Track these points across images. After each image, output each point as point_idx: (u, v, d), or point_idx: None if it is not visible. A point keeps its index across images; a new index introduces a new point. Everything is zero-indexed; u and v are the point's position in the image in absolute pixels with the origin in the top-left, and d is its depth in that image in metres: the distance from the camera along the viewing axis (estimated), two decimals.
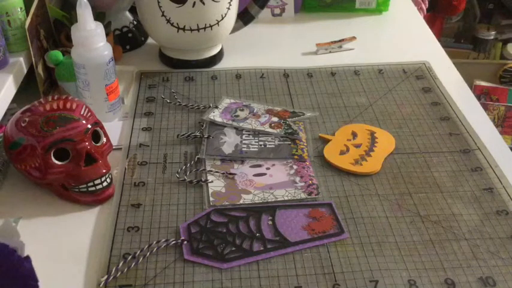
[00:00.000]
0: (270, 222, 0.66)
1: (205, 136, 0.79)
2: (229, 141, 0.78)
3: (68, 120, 0.67)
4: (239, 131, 0.80)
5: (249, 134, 0.80)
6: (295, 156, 0.76)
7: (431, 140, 0.80)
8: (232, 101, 0.87)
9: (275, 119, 0.82)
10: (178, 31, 0.89)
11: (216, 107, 0.85)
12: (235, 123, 0.81)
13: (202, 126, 0.82)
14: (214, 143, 0.78)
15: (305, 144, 0.78)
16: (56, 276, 0.59)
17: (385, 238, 0.65)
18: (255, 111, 0.84)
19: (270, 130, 0.80)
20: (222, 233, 0.64)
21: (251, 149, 0.77)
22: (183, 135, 0.79)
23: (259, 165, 0.75)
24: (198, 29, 0.89)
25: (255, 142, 0.78)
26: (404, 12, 1.18)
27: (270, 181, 0.72)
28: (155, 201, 0.70)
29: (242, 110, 0.84)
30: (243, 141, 0.78)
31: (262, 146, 0.78)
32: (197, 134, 0.79)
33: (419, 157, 0.77)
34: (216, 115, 0.83)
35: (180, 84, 0.91)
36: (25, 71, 0.82)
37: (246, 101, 0.87)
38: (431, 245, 0.64)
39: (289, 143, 0.78)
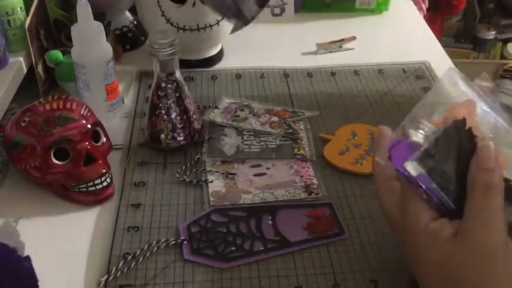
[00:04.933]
0: (270, 222, 0.66)
1: (206, 138, 0.79)
2: (230, 142, 0.78)
3: (67, 120, 0.67)
4: (240, 131, 0.80)
5: (250, 135, 0.80)
6: (298, 156, 0.76)
7: None
8: (232, 100, 0.87)
9: (275, 118, 0.82)
10: (178, 31, 0.89)
11: (216, 107, 0.85)
12: (235, 123, 0.81)
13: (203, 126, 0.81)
14: (215, 144, 0.78)
15: (306, 143, 0.78)
16: (56, 276, 0.59)
17: (385, 238, 0.65)
18: (255, 111, 0.84)
19: (270, 130, 0.80)
20: (222, 233, 0.64)
21: (253, 150, 0.77)
22: None
23: (259, 165, 0.75)
24: (198, 29, 0.89)
25: (257, 142, 0.78)
26: (404, 12, 1.18)
27: (270, 181, 0.72)
28: (155, 201, 0.69)
29: (242, 110, 0.84)
30: (245, 142, 0.78)
31: (264, 146, 0.78)
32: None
33: None
34: (216, 115, 0.83)
35: None
36: (25, 71, 0.82)
37: (245, 101, 0.87)
38: None
39: (291, 142, 0.78)
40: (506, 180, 0.48)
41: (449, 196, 0.48)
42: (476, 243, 0.46)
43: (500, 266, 0.46)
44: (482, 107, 0.53)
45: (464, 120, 0.49)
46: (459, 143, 0.49)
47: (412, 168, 0.48)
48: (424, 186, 0.48)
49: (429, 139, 0.49)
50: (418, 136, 0.50)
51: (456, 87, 0.53)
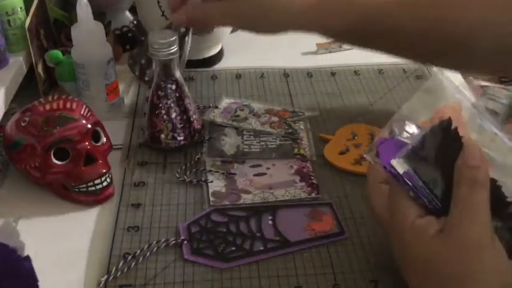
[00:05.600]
0: (271, 222, 0.66)
1: (206, 138, 0.79)
2: (230, 142, 0.78)
3: (67, 120, 0.67)
4: (240, 131, 0.80)
5: (250, 135, 0.80)
6: (298, 156, 0.76)
7: None
8: (232, 100, 0.87)
9: (275, 118, 0.82)
10: None
11: (216, 107, 0.85)
12: (235, 123, 0.81)
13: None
14: (215, 144, 0.78)
15: (306, 143, 0.78)
16: (56, 276, 0.59)
17: (385, 238, 0.64)
18: (255, 111, 0.84)
19: (270, 130, 0.80)
20: (222, 233, 0.64)
21: (253, 150, 0.77)
22: None
23: (259, 165, 0.75)
24: None
25: (257, 142, 0.78)
26: None
27: (270, 181, 0.72)
28: (155, 201, 0.69)
29: (242, 109, 0.84)
30: (245, 142, 0.78)
31: (264, 146, 0.78)
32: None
33: None
34: (216, 115, 0.83)
35: None
36: (25, 71, 0.82)
37: (245, 101, 0.87)
38: None
39: (291, 142, 0.78)
40: (492, 180, 0.49)
41: (435, 194, 0.49)
42: (462, 238, 0.46)
43: (486, 261, 0.46)
44: (468, 109, 0.53)
45: (450, 120, 0.50)
46: (445, 142, 0.49)
47: (398, 165, 0.49)
48: (410, 184, 0.49)
49: (416, 137, 0.50)
50: (405, 134, 0.51)
51: (443, 88, 0.54)
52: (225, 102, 0.87)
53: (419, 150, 0.49)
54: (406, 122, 0.52)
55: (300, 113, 0.84)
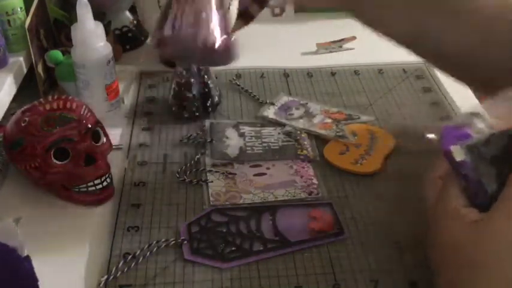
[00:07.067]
0: (270, 222, 0.66)
1: (208, 140, 0.78)
2: (233, 144, 0.78)
3: (67, 120, 0.67)
4: (241, 132, 0.80)
5: (251, 136, 0.79)
6: (301, 157, 0.76)
7: None
8: (290, 98, 0.87)
9: (328, 120, 0.82)
10: None
11: (272, 104, 0.85)
12: (288, 122, 0.81)
13: (204, 126, 0.81)
14: (218, 147, 0.78)
15: (308, 143, 0.78)
16: (56, 276, 0.59)
17: (385, 238, 0.65)
18: (310, 110, 0.84)
19: (322, 132, 0.79)
20: (222, 233, 0.64)
21: (255, 151, 0.77)
22: (188, 136, 0.79)
23: (259, 165, 0.75)
24: None
25: (259, 144, 0.78)
26: None
27: (270, 181, 0.72)
28: (155, 201, 0.69)
29: (298, 108, 0.84)
30: (247, 144, 0.78)
31: (267, 148, 0.77)
32: (200, 140, 0.79)
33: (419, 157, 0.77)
34: (270, 112, 0.83)
35: None
36: (25, 71, 0.82)
37: (303, 100, 0.87)
38: None
39: (294, 143, 0.78)
40: None
41: (485, 190, 0.49)
42: (496, 231, 0.47)
43: None
44: None
45: None
46: (510, 148, 0.50)
47: (457, 152, 0.49)
48: (463, 173, 0.49)
49: (483, 134, 0.51)
50: (474, 128, 0.52)
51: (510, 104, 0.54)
52: (283, 99, 0.87)
53: (482, 146, 0.49)
54: (480, 118, 0.53)
55: (355, 116, 0.84)
